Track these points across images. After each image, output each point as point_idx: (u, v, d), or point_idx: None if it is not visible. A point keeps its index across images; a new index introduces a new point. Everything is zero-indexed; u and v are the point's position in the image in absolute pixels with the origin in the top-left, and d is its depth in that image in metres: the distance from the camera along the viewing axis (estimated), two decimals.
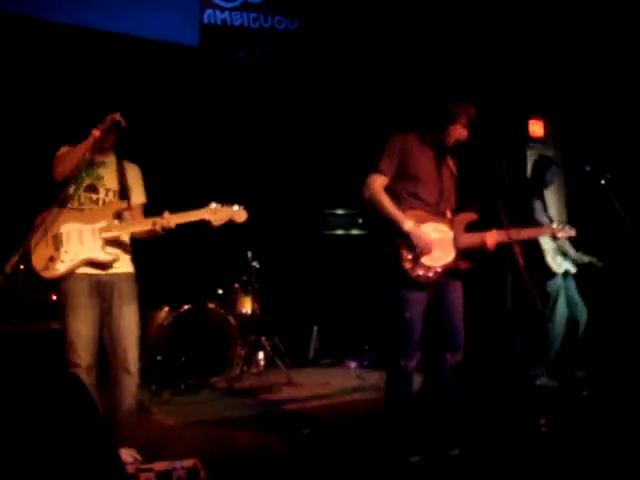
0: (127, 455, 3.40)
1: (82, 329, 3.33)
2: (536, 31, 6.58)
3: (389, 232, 3.53)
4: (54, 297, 5.05)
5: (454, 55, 6.84)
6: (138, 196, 3.71)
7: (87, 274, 3.41)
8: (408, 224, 3.47)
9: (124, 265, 3.58)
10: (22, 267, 3.26)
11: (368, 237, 6.74)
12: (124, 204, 3.55)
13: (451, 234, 3.61)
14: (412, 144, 3.66)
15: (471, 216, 3.77)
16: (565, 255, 5.57)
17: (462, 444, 3.65)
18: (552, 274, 5.50)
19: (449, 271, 3.60)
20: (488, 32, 6.73)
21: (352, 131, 7.25)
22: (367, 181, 3.61)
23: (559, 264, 5.53)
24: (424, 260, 3.48)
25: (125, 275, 3.56)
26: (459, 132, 3.63)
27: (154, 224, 3.41)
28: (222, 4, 6.97)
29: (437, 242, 3.54)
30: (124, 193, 3.58)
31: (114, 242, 3.49)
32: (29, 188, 5.08)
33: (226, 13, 6.97)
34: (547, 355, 5.50)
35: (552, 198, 6.35)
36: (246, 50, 6.99)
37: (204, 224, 6.55)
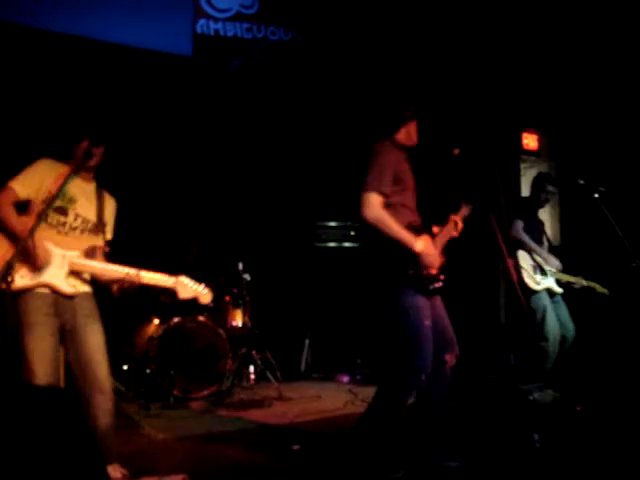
0: (114, 471, 3.34)
1: (40, 348, 3.19)
2: (530, 45, 6.62)
3: (397, 255, 3.48)
4: None
5: (449, 68, 6.86)
6: (107, 233, 3.64)
7: (45, 293, 3.29)
8: (419, 244, 3.44)
9: (84, 285, 3.50)
10: (11, 280, 3.18)
11: (360, 250, 6.71)
12: (100, 241, 3.49)
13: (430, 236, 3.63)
14: (395, 153, 3.65)
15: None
16: (545, 273, 5.54)
17: (462, 457, 3.63)
18: (533, 291, 5.48)
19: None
20: (482, 46, 6.76)
21: (344, 143, 7.24)
22: (367, 202, 3.45)
23: (537, 281, 5.50)
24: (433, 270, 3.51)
25: (85, 294, 3.47)
26: (414, 128, 3.71)
27: (127, 275, 3.32)
28: (215, 14, 6.97)
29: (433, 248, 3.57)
30: (100, 228, 3.51)
31: (77, 274, 3.40)
32: None
33: (219, 23, 6.97)
34: (542, 370, 5.46)
35: (546, 214, 6.35)
36: (240, 60, 6.99)
37: (197, 241, 6.57)
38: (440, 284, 3.54)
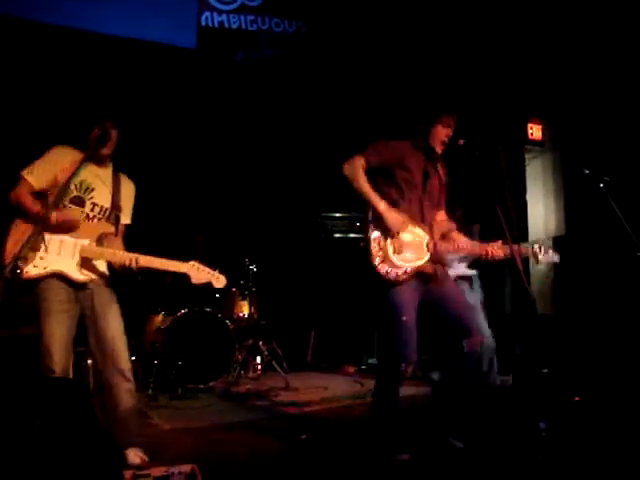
0: (134, 456, 3.40)
1: (56, 334, 3.28)
2: (536, 35, 6.59)
3: (365, 229, 3.60)
4: None
5: (454, 58, 6.84)
6: (124, 217, 3.66)
7: (62, 281, 3.35)
8: (382, 205, 3.53)
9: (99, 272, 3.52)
10: (19, 271, 3.22)
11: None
12: (111, 228, 3.51)
13: (426, 238, 3.64)
14: (405, 152, 3.71)
15: (450, 226, 3.85)
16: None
17: (470, 441, 3.72)
18: None
19: (425, 274, 3.63)
20: (488, 36, 6.73)
21: (350, 134, 7.23)
22: (351, 160, 3.69)
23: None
24: (395, 259, 3.52)
25: (101, 282, 3.50)
26: (442, 133, 3.72)
27: (131, 261, 3.36)
28: (220, 6, 6.95)
29: (410, 244, 3.59)
30: (114, 215, 3.54)
31: (91, 263, 3.43)
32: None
33: (224, 15, 6.95)
34: None
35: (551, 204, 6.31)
36: (245, 52, 6.97)
37: (204, 232, 6.56)
38: (400, 275, 3.52)
